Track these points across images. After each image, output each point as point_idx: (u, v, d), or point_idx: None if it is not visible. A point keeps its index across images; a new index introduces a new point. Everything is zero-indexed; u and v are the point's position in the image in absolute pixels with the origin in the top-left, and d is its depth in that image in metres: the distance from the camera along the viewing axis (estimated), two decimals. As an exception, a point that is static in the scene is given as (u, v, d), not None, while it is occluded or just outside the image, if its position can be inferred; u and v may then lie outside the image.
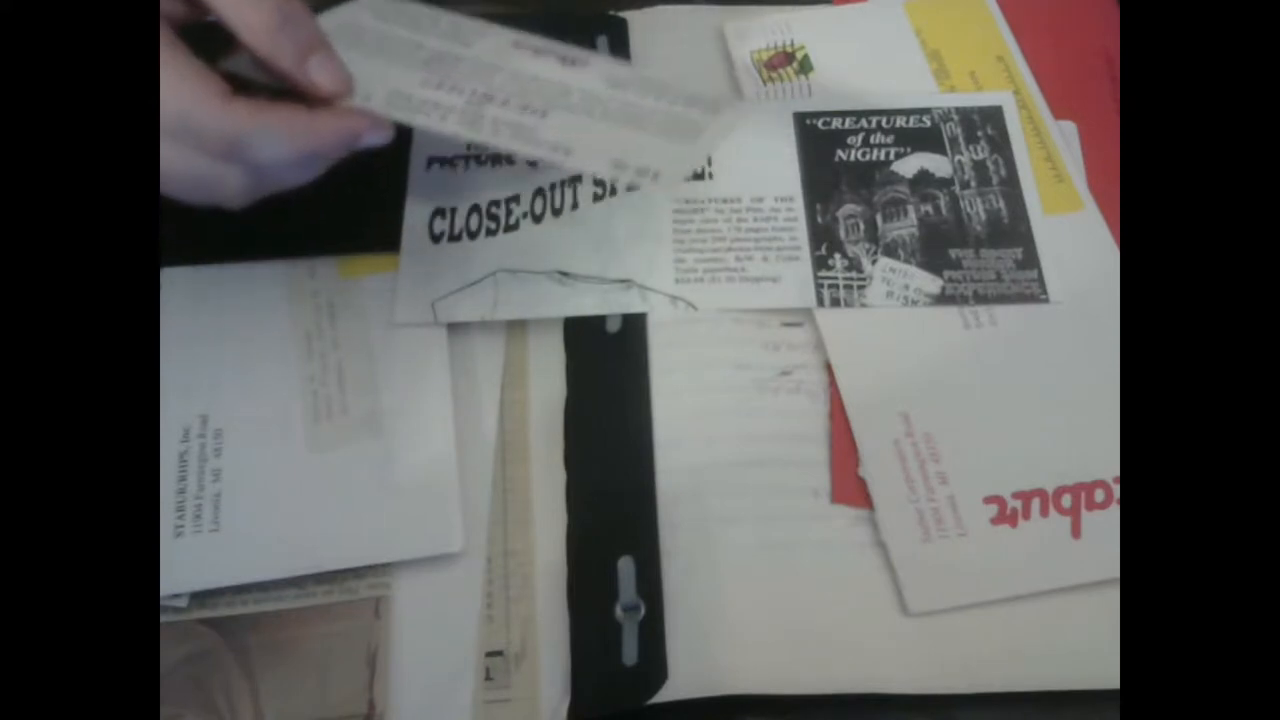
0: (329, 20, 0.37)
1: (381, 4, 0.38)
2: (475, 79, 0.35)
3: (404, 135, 0.45)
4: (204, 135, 0.29)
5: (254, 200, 0.32)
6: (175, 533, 0.36)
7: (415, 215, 0.43)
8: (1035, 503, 0.37)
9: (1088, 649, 0.34)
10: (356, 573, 0.36)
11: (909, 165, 0.44)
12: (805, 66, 0.48)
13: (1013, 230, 0.43)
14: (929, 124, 0.45)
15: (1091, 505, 0.36)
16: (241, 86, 0.31)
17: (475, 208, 0.43)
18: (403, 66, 0.35)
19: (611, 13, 0.50)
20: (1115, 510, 0.36)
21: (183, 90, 0.29)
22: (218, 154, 0.30)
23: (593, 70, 0.36)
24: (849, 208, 0.43)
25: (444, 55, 0.36)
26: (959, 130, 0.45)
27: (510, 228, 0.43)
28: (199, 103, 0.29)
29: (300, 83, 0.32)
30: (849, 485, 0.37)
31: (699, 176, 0.44)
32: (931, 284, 0.41)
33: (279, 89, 0.32)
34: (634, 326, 0.41)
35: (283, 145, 0.31)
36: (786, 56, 0.48)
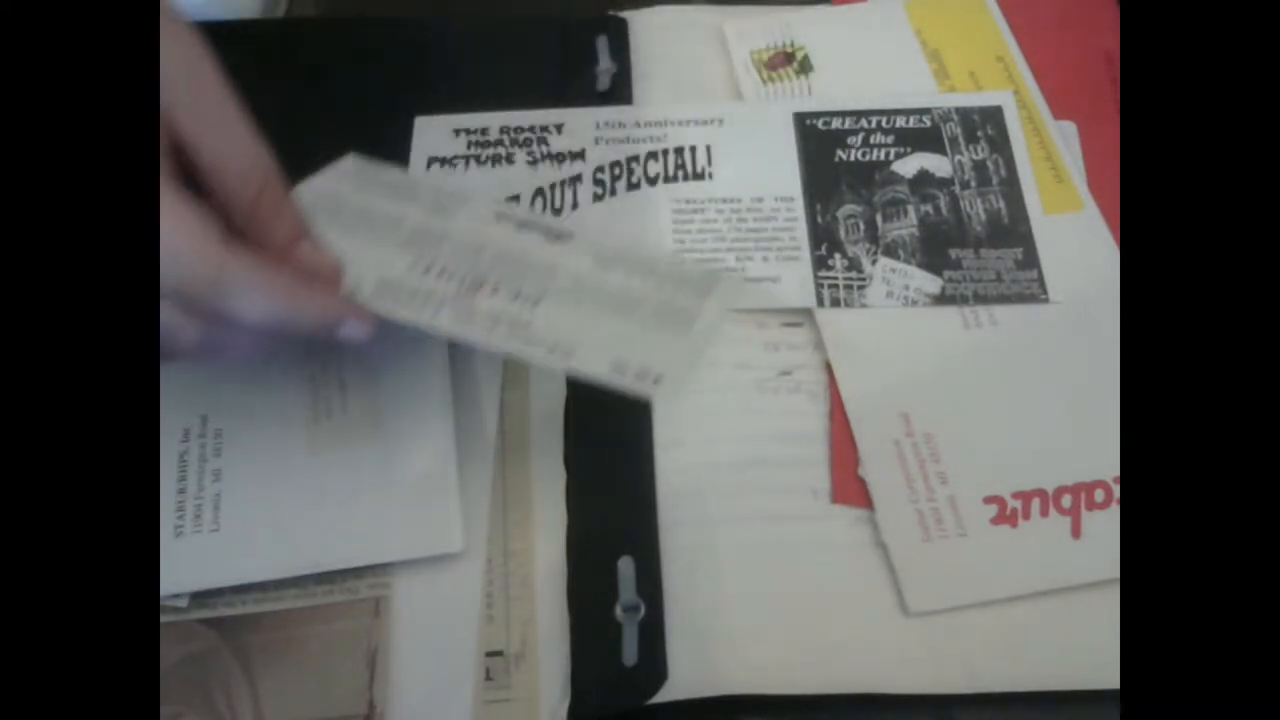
0: (308, 191, 0.37)
1: (360, 173, 0.38)
2: (462, 261, 0.35)
3: (404, 135, 0.45)
4: (191, 278, 0.28)
5: (193, 359, 0.30)
6: (175, 533, 0.36)
7: (415, 215, 0.43)
8: (1035, 503, 0.36)
9: (1088, 649, 0.34)
10: (356, 573, 0.36)
11: (909, 165, 0.44)
12: (805, 66, 0.48)
13: (1013, 230, 0.43)
14: (929, 124, 0.45)
15: (1091, 505, 0.36)
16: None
17: (475, 208, 0.43)
18: (387, 246, 0.35)
19: (611, 13, 0.50)
20: (1115, 510, 0.36)
21: (179, 227, 0.27)
22: (191, 300, 0.28)
23: (578, 246, 0.36)
24: (849, 208, 0.43)
25: (427, 232, 0.36)
26: (959, 130, 0.45)
27: (510, 228, 0.43)
28: (193, 239, 0.28)
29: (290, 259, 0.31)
30: (849, 485, 0.37)
31: (699, 177, 0.44)
32: (931, 284, 0.41)
33: None
34: (634, 326, 0.41)
35: (264, 304, 0.29)
36: (786, 56, 0.48)
